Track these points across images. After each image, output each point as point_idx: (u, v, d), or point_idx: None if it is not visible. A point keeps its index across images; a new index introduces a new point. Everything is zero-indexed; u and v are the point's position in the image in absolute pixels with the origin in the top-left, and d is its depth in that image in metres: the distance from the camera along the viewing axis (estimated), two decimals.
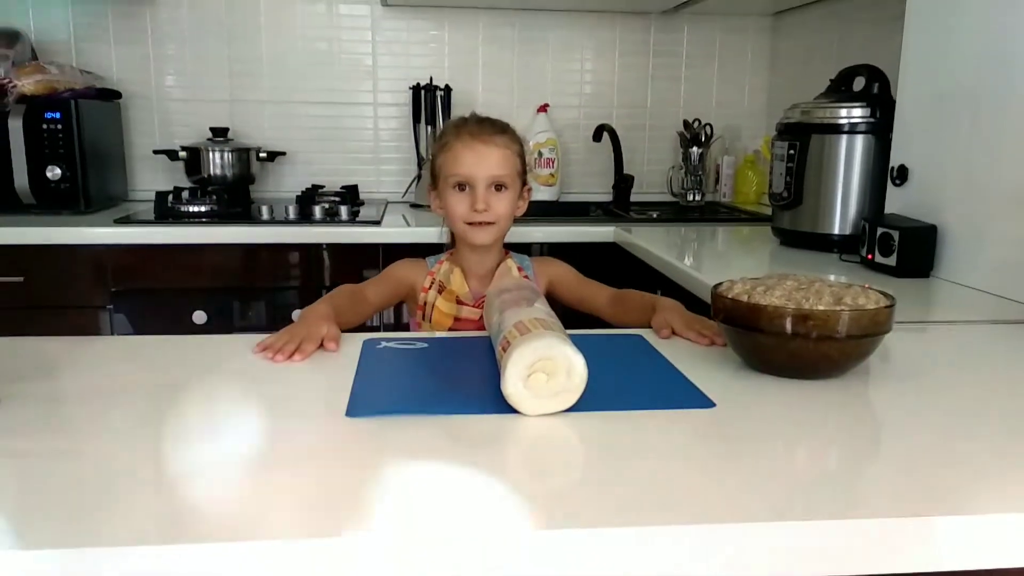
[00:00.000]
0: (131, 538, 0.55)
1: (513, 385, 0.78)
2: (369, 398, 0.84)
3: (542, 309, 0.92)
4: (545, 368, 0.78)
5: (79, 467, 0.67)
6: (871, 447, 0.77)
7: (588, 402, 0.81)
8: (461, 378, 0.94)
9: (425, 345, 1.05)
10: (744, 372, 0.94)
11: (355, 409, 0.81)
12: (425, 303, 1.34)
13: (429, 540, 0.57)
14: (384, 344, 1.04)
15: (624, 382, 0.92)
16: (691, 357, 0.99)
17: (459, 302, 1.32)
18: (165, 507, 0.60)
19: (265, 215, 2.23)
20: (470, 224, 1.30)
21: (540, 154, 2.62)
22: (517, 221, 1.36)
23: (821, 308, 0.88)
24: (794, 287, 0.93)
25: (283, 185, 2.64)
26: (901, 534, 0.60)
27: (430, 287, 1.35)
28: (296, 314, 2.12)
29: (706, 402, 0.84)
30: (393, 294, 1.37)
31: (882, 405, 0.89)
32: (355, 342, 1.05)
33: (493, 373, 0.84)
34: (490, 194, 1.29)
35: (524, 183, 1.37)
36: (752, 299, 0.92)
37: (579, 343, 0.82)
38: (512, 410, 0.79)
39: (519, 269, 1.37)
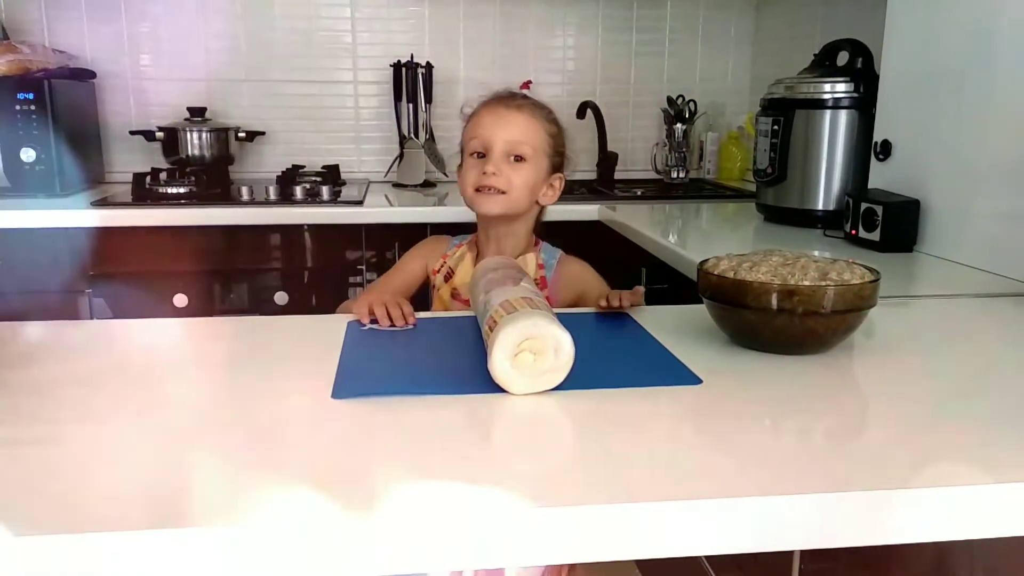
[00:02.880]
0: (115, 523, 0.54)
1: (500, 364, 0.78)
2: (355, 379, 0.83)
3: (528, 288, 0.91)
4: (532, 347, 0.78)
5: (61, 453, 0.66)
6: (857, 421, 0.78)
7: (575, 380, 0.80)
8: (448, 358, 0.93)
9: (410, 327, 1.04)
10: (730, 349, 0.94)
11: (341, 391, 0.80)
12: (433, 286, 1.28)
13: (416, 520, 0.56)
14: (369, 326, 1.03)
15: (611, 360, 0.92)
16: (677, 334, 0.99)
17: (454, 296, 1.25)
18: (148, 492, 0.60)
19: (245, 196, 2.20)
20: (478, 190, 1.20)
21: None
22: None
23: (807, 283, 0.87)
24: (780, 263, 0.93)
25: (263, 165, 2.61)
26: (888, 506, 0.60)
27: (439, 269, 1.28)
28: (280, 296, 2.11)
29: (693, 379, 0.84)
30: (413, 281, 1.31)
31: (867, 379, 0.89)
32: (340, 321, 1.04)
33: (480, 352, 0.84)
34: (505, 162, 1.20)
35: (556, 170, 1.27)
36: (738, 275, 0.91)
37: (566, 321, 0.81)
38: (499, 389, 0.79)
39: (539, 266, 1.26)
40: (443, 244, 1.33)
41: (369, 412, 0.76)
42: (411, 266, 1.31)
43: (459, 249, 1.30)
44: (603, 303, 1.08)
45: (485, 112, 1.22)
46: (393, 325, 1.02)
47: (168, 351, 0.95)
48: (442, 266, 1.28)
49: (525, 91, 1.29)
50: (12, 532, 0.53)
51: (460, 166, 1.28)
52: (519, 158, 1.21)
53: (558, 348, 0.79)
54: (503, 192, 1.20)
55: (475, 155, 1.22)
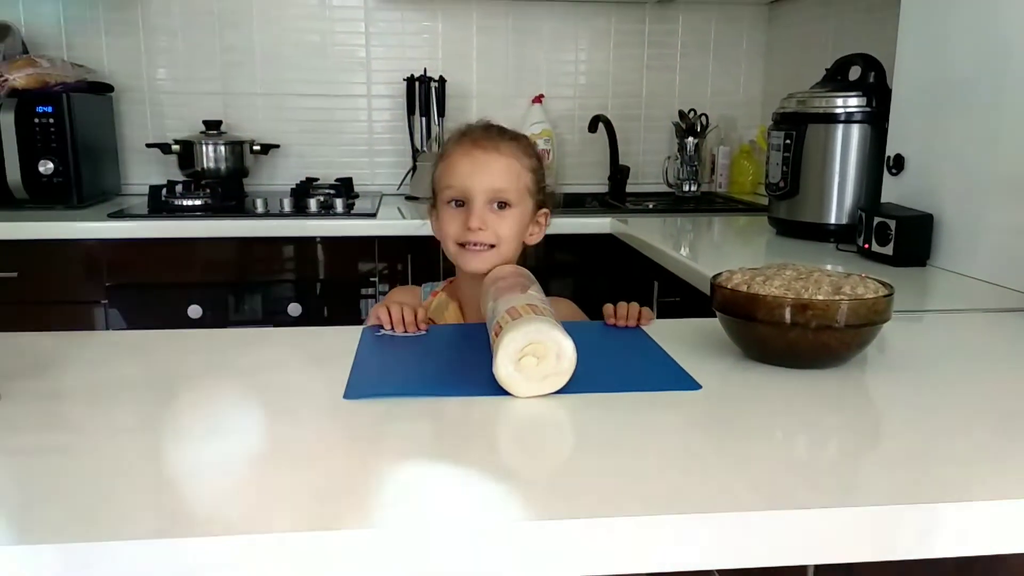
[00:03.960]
0: (130, 532, 0.55)
1: (504, 368, 0.80)
2: (366, 381, 0.86)
3: (535, 296, 0.93)
4: (535, 352, 0.81)
5: (78, 463, 0.67)
6: (870, 435, 0.77)
7: (577, 384, 0.82)
8: (456, 362, 0.96)
9: (423, 332, 1.06)
10: (743, 362, 0.94)
11: (352, 392, 0.82)
12: None
13: (421, 524, 0.57)
14: (383, 331, 1.05)
15: (613, 365, 0.94)
16: (689, 347, 0.99)
17: None
18: (164, 501, 0.60)
19: (259, 208, 2.22)
20: (462, 245, 1.11)
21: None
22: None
23: (820, 298, 0.88)
24: (793, 277, 0.93)
25: (277, 178, 2.63)
26: (902, 521, 0.60)
27: None
28: (293, 308, 2.12)
29: (692, 385, 0.85)
30: None
31: (878, 393, 0.89)
32: (354, 333, 1.04)
33: (487, 357, 0.86)
34: (489, 211, 1.10)
35: (541, 206, 1.17)
36: (751, 289, 0.91)
37: (570, 328, 0.83)
38: (504, 392, 0.81)
39: None
40: (415, 296, 1.24)
41: (378, 412, 0.78)
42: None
43: (436, 297, 1.21)
44: (611, 320, 1.08)
45: (460, 156, 1.11)
46: (405, 331, 1.03)
47: (183, 361, 0.96)
48: None
49: (493, 123, 1.17)
50: (29, 540, 0.54)
51: (432, 209, 1.19)
52: (503, 204, 1.11)
53: (560, 353, 0.81)
54: (492, 246, 1.11)
55: (453, 203, 1.12)
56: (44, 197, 2.15)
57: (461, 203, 1.11)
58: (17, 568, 0.53)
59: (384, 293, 2.16)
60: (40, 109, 2.12)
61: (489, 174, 1.10)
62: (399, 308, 1.06)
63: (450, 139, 1.17)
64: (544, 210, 1.19)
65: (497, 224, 1.10)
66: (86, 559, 0.54)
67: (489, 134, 1.13)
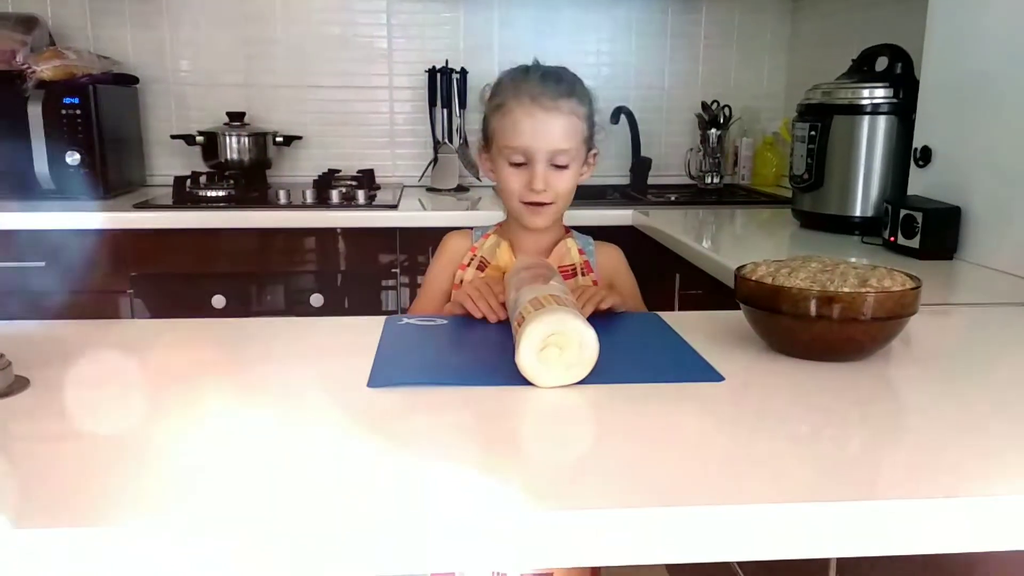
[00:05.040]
0: (154, 519, 0.56)
1: (527, 358, 0.81)
2: (389, 370, 0.86)
3: (557, 286, 0.94)
4: (558, 342, 0.81)
5: (105, 449, 0.68)
6: (895, 428, 0.77)
7: (599, 375, 0.82)
8: (479, 352, 0.96)
9: (445, 322, 1.07)
10: (768, 354, 0.93)
11: (376, 380, 0.83)
12: (462, 281, 1.21)
13: (442, 512, 0.57)
14: (406, 321, 1.06)
15: (635, 356, 0.94)
16: (713, 339, 0.98)
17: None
18: (187, 488, 0.61)
19: (282, 199, 2.24)
20: (526, 204, 1.15)
21: None
22: None
23: (847, 290, 0.87)
24: (818, 269, 0.92)
25: (299, 169, 2.65)
26: (926, 516, 0.60)
27: (469, 263, 1.22)
28: (316, 299, 2.13)
29: (716, 376, 0.85)
30: (454, 272, 1.24)
31: (903, 387, 0.88)
32: (378, 322, 1.05)
33: (510, 347, 0.86)
34: (550, 171, 1.13)
35: (591, 147, 1.20)
36: (776, 281, 0.91)
37: (592, 319, 0.84)
38: (526, 382, 0.81)
39: (580, 252, 1.23)
40: (466, 240, 1.27)
41: (401, 400, 0.78)
42: (442, 277, 1.26)
43: (488, 239, 1.24)
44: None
45: (522, 116, 1.12)
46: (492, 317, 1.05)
47: (207, 350, 0.97)
48: (472, 259, 1.23)
49: (543, 66, 1.19)
50: (56, 524, 0.55)
51: (484, 152, 1.21)
52: (562, 163, 1.15)
53: (583, 343, 0.81)
54: (550, 203, 1.16)
55: (513, 160, 1.15)
56: (70, 188, 2.18)
57: (519, 162, 1.14)
58: (47, 551, 0.54)
59: (405, 285, 2.17)
60: (67, 101, 2.14)
61: (551, 136, 1.12)
62: (482, 295, 1.06)
63: (504, 87, 1.17)
64: (594, 151, 1.21)
65: (557, 182, 1.14)
66: (112, 544, 0.55)
67: (547, 87, 1.14)
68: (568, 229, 1.27)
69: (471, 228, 1.29)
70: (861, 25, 2.29)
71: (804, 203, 1.90)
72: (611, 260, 1.27)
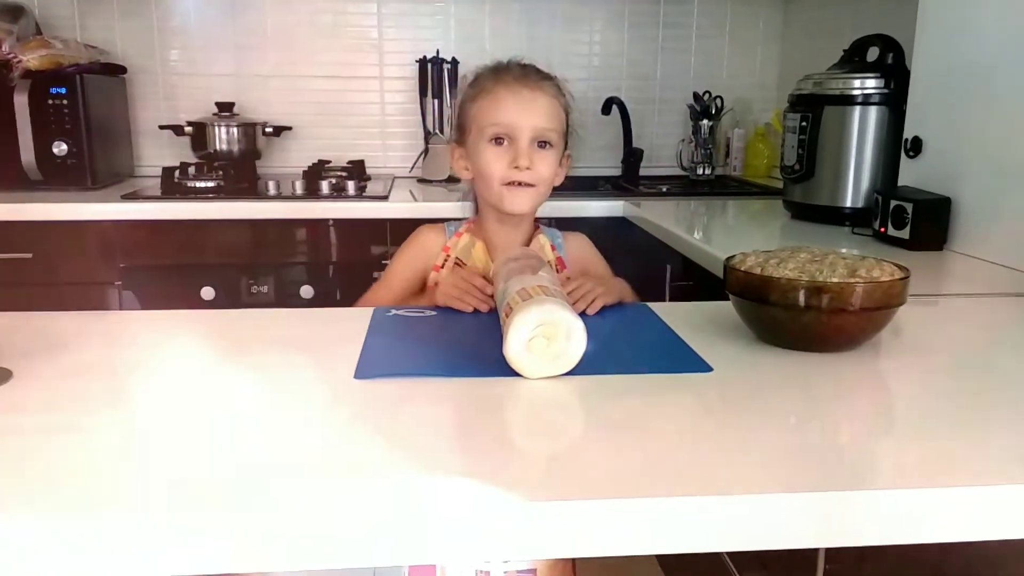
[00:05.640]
0: (141, 510, 0.55)
1: (515, 349, 0.81)
2: (377, 361, 0.86)
3: (546, 277, 0.94)
4: (545, 333, 0.81)
5: (90, 441, 0.67)
6: (880, 419, 0.77)
7: (587, 366, 0.82)
8: (466, 343, 0.96)
9: (433, 313, 1.06)
10: (756, 345, 0.93)
11: (363, 371, 0.82)
12: (436, 284, 1.15)
13: (429, 503, 0.57)
14: (394, 312, 1.06)
15: (623, 347, 0.94)
16: (702, 330, 0.98)
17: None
18: (174, 479, 0.60)
19: (272, 191, 2.22)
20: (508, 185, 1.11)
21: None
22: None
23: (835, 280, 0.87)
24: (807, 259, 0.92)
25: (289, 160, 2.63)
26: (914, 505, 0.59)
27: (443, 264, 1.19)
28: (306, 290, 2.12)
29: (704, 367, 0.85)
30: (422, 267, 1.20)
31: (892, 377, 0.88)
32: (366, 314, 1.04)
33: (498, 338, 0.85)
34: (534, 150, 1.10)
35: (565, 147, 1.17)
36: (765, 272, 0.91)
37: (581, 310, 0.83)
38: (514, 373, 0.81)
39: (552, 248, 1.22)
40: (439, 236, 1.22)
41: (388, 391, 0.78)
42: (406, 271, 1.22)
43: (461, 238, 1.21)
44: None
45: (505, 93, 1.10)
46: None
47: (196, 341, 0.96)
48: (445, 260, 1.19)
49: (523, 60, 1.17)
50: (41, 516, 0.54)
51: (457, 147, 1.18)
52: (544, 143, 1.12)
53: (570, 334, 0.81)
54: (532, 186, 1.12)
55: (495, 140, 1.11)
56: (58, 178, 2.16)
57: (501, 141, 1.11)
58: (30, 543, 0.54)
59: None
60: (54, 91, 2.12)
61: (536, 112, 1.10)
62: (464, 290, 1.05)
63: (482, 75, 1.16)
64: (567, 152, 1.19)
65: (540, 163, 1.11)
66: (99, 535, 0.54)
67: (528, 72, 1.13)
68: (538, 225, 1.25)
69: (444, 221, 1.25)
70: (853, 16, 2.28)
71: (795, 194, 1.90)
72: (580, 250, 1.26)
